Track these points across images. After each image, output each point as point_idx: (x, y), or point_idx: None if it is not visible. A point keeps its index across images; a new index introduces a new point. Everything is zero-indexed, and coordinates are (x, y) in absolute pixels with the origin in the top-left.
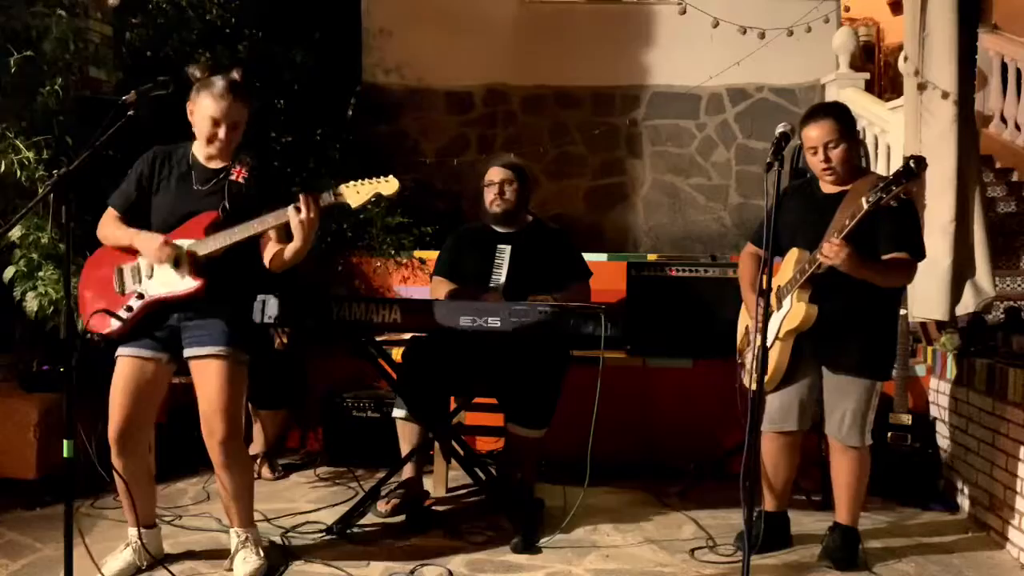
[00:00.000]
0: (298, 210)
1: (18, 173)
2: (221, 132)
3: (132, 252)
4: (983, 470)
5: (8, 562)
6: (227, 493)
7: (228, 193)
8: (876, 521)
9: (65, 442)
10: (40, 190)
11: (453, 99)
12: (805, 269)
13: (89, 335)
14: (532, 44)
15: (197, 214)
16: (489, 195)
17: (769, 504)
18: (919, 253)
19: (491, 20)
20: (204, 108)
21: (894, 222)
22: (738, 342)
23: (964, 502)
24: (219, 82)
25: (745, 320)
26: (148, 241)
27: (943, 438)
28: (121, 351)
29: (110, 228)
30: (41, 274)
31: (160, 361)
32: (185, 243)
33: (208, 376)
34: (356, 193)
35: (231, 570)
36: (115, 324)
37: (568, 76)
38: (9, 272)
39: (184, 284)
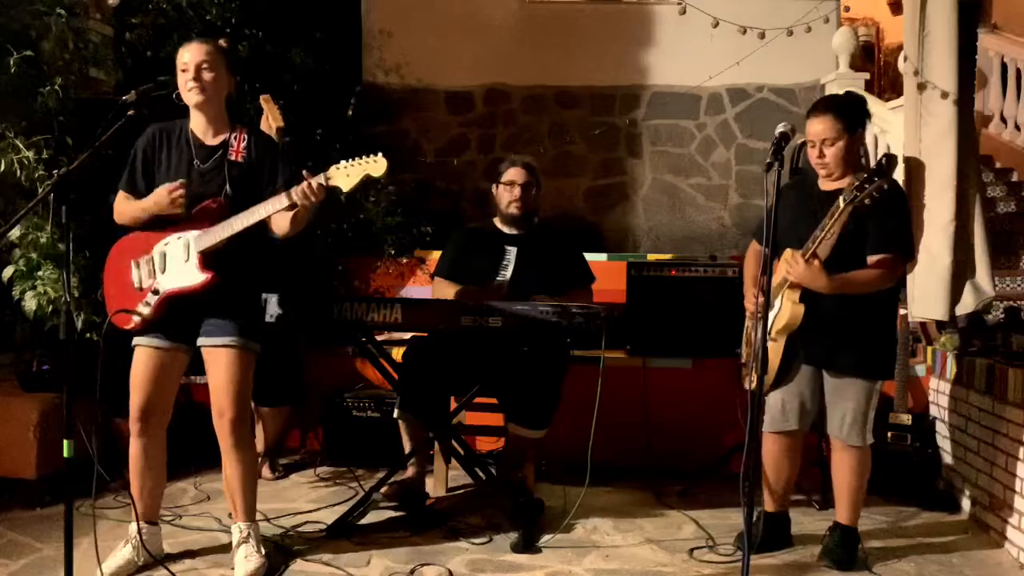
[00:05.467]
0: (290, 199)
1: (18, 173)
2: (190, 73)
3: (148, 242)
4: (983, 470)
5: (8, 562)
6: (232, 480)
7: (229, 175)
8: (876, 521)
9: (65, 442)
10: (40, 190)
11: (453, 99)
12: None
13: (91, 336)
14: (532, 44)
15: (200, 194)
16: (508, 195)
17: (770, 505)
18: (907, 251)
19: (491, 20)
20: (178, 62)
21: (883, 221)
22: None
23: (964, 502)
24: None
25: (749, 321)
26: (158, 196)
27: (943, 438)
28: (137, 340)
29: (124, 206)
30: (40, 274)
31: (173, 350)
32: (191, 235)
33: (219, 362)
34: (346, 176)
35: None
36: (136, 319)
37: (568, 76)
38: (8, 272)
39: (194, 278)
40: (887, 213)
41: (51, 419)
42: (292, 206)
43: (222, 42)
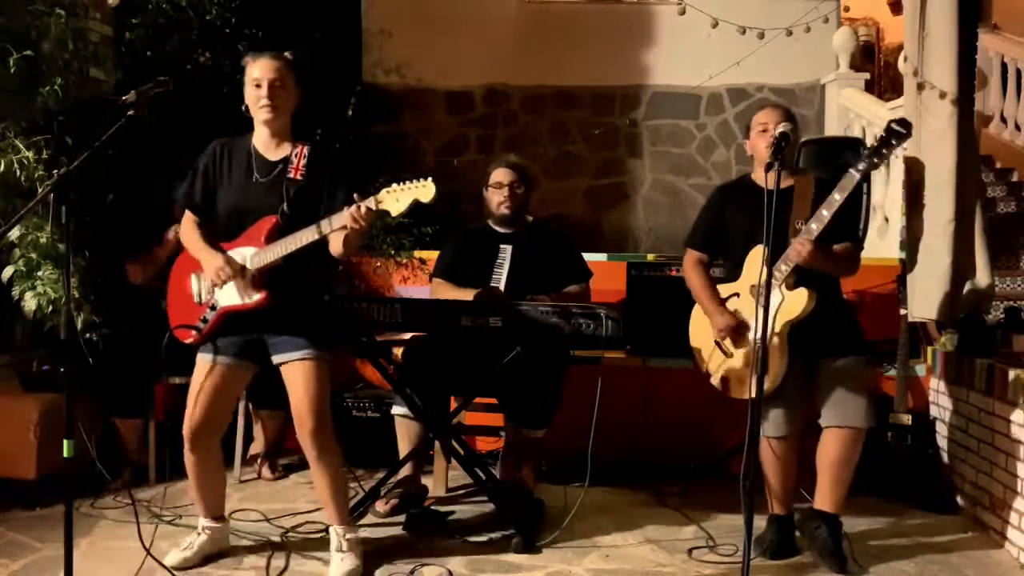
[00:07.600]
0: (355, 220)
1: (18, 173)
2: (263, 91)
3: None
4: (983, 470)
5: (8, 562)
6: (322, 488)
7: (287, 194)
8: (876, 521)
9: (65, 442)
10: (40, 190)
11: (453, 99)
12: (786, 265)
13: (90, 336)
14: (532, 44)
15: (258, 209)
16: (498, 196)
17: (778, 508)
18: (861, 243)
19: (491, 20)
20: (248, 76)
21: (843, 213)
22: (705, 362)
23: (964, 502)
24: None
25: (703, 337)
26: (209, 261)
27: (943, 438)
28: (200, 354)
29: (187, 235)
30: (40, 274)
31: (235, 367)
32: (248, 252)
33: (295, 377)
34: (396, 200)
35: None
36: (195, 334)
37: (568, 76)
38: (8, 272)
39: (249, 297)
40: (849, 206)
41: (51, 419)
42: (343, 227)
43: (288, 55)
